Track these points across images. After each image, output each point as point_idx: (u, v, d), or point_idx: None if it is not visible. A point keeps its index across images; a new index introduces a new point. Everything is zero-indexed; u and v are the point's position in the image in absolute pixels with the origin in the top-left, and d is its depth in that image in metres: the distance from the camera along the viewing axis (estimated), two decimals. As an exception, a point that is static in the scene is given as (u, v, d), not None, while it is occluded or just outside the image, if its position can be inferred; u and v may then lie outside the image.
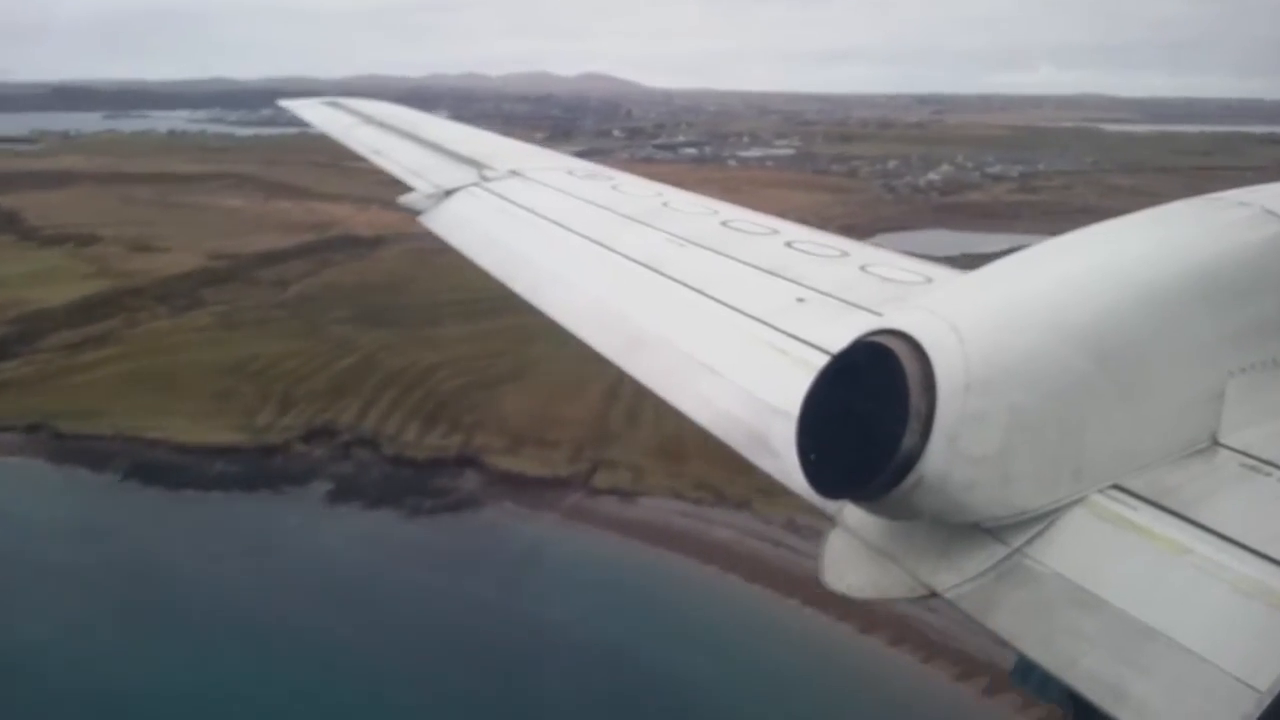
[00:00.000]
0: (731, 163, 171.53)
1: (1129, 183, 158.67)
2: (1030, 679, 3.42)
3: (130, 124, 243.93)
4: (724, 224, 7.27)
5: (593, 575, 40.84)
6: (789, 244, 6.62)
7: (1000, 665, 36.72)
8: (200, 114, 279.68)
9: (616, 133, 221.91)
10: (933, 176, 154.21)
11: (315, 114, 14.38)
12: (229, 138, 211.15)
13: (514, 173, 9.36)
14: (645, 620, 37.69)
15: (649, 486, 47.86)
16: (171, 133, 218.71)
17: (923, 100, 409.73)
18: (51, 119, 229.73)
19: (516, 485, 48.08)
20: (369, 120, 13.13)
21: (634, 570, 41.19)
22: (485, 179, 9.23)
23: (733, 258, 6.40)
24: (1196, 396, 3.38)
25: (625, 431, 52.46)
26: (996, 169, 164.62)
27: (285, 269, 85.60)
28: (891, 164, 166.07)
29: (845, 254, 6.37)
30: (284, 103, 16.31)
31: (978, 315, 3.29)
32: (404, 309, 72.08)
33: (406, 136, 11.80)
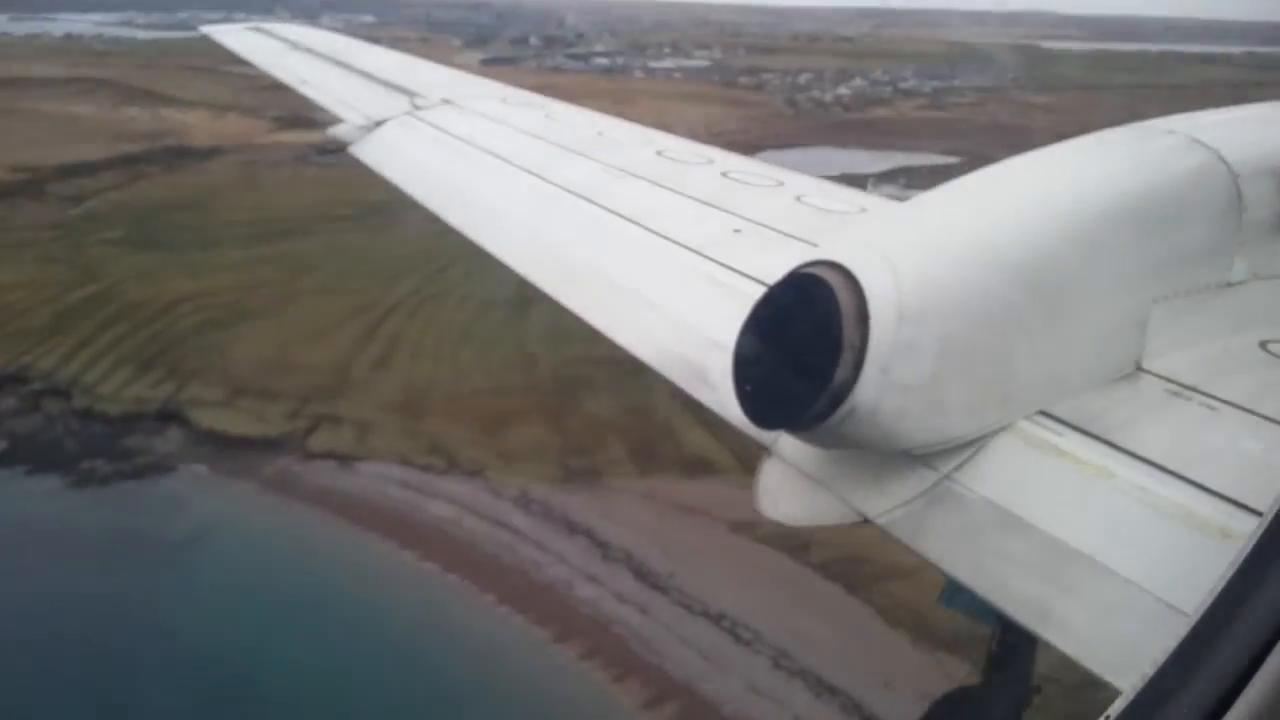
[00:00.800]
0: (639, 74, 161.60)
1: (1045, 100, 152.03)
2: (958, 600, 3.71)
3: (34, 27, 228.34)
4: (659, 154, 7.04)
5: (258, 567, 33.22)
6: (725, 174, 6.43)
7: (698, 690, 30.16)
8: (112, 17, 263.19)
9: (533, 40, 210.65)
10: (842, 91, 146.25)
11: (240, 41, 13.57)
12: (124, 41, 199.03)
13: (446, 101, 9.10)
14: (295, 627, 30.42)
15: (374, 448, 40.19)
16: (68, 36, 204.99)
17: (865, 14, 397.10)
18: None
19: (219, 446, 40.12)
20: (296, 47, 12.50)
21: (313, 559, 33.65)
22: (417, 108, 8.97)
23: (669, 188, 6.23)
24: (1121, 324, 3.43)
25: (369, 379, 44.82)
26: (910, 84, 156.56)
27: (89, 183, 76.13)
28: (803, 78, 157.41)
29: (780, 184, 6.20)
30: (207, 29, 15.33)
31: (910, 246, 3.27)
32: (191, 229, 63.76)
33: (335, 64, 11.34)
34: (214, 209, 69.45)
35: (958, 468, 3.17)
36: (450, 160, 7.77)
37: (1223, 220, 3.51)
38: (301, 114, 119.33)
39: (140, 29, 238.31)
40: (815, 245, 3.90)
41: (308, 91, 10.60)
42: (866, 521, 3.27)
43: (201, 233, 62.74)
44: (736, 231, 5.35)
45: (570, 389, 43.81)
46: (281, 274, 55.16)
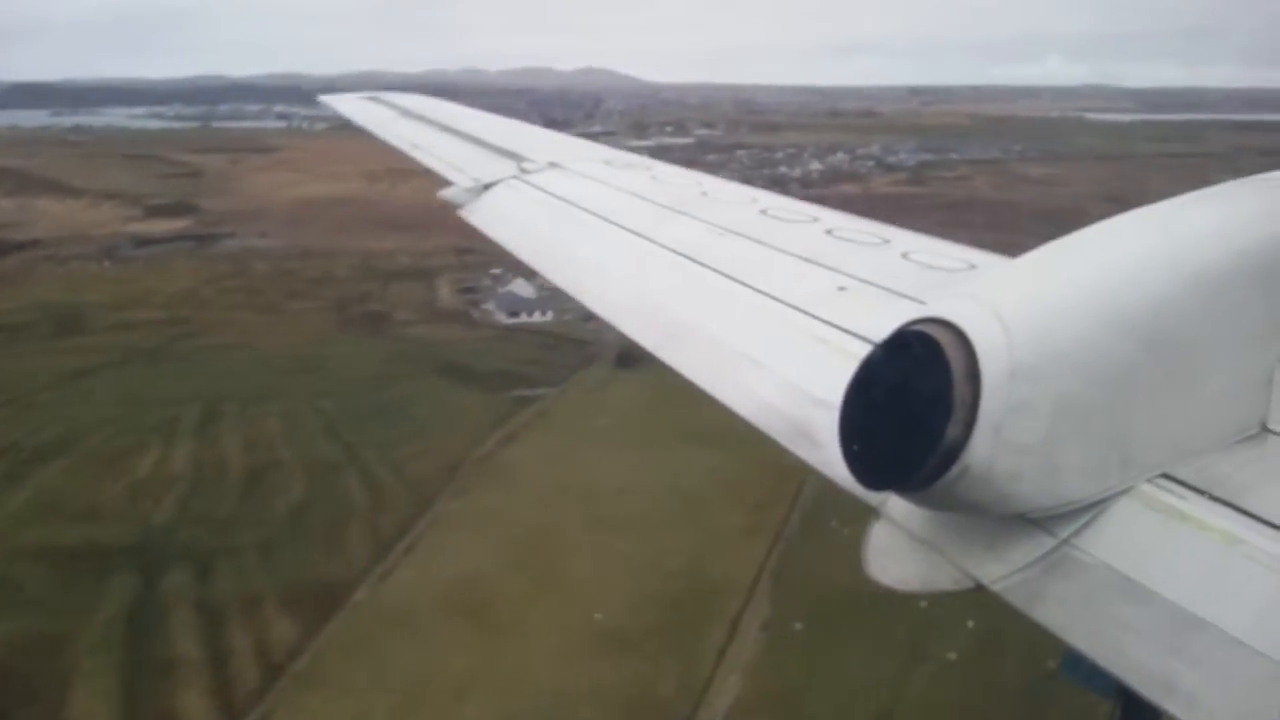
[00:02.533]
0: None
1: (1044, 172, 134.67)
2: (1079, 671, 3.37)
3: (69, 120, 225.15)
4: (763, 212, 6.65)
5: None
6: (829, 231, 6.01)
7: None
8: (142, 110, 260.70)
9: (538, 122, 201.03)
10: (815, 166, 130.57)
11: (355, 108, 13.53)
12: (116, 130, 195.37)
13: (552, 164, 8.58)
14: None
15: None
16: (76, 127, 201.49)
17: (915, 92, 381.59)
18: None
19: None
20: (407, 114, 12.35)
21: None
22: (524, 171, 8.51)
23: (773, 246, 5.77)
24: (1246, 383, 3.14)
25: None
26: (899, 158, 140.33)
27: None
28: (782, 153, 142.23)
29: (886, 241, 5.69)
30: (324, 98, 15.57)
31: (1023, 302, 3.02)
32: None
33: (445, 130, 11.04)
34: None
35: (1076, 532, 2.90)
36: (556, 222, 7.13)
37: None
38: (186, 200, 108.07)
39: (166, 120, 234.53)
40: (923, 302, 3.50)
41: (419, 155, 9.88)
42: (981, 588, 2.98)
43: None
44: (841, 289, 4.83)
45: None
46: None
